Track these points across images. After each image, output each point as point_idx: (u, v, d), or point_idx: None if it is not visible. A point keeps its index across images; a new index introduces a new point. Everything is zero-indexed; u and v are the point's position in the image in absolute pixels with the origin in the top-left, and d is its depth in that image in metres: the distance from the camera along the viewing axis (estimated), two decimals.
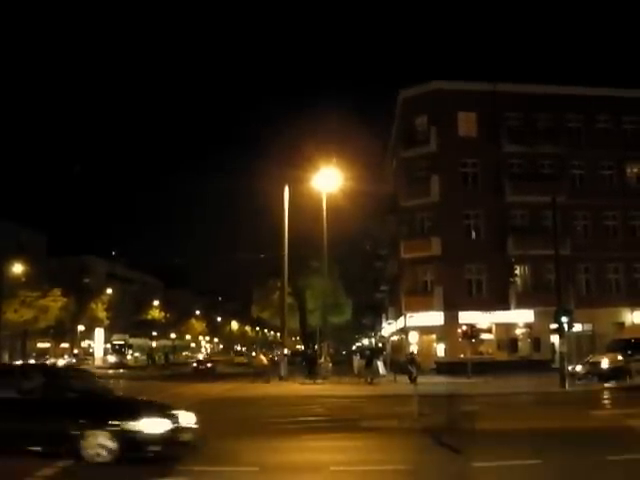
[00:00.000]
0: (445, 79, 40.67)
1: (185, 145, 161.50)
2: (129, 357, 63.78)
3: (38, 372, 11.16)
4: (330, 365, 35.88)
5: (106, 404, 10.21)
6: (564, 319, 25.81)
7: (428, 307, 38.69)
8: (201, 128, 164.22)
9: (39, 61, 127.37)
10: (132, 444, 9.01)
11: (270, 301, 54.40)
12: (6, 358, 59.87)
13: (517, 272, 35.88)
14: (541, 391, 23.95)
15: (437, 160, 39.84)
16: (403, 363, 33.86)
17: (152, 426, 9.18)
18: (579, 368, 27.89)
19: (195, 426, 10.15)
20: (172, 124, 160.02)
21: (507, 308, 38.29)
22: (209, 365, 53.48)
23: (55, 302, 58.32)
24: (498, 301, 38.03)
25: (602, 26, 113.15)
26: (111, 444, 8.93)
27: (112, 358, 62.74)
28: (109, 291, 77.76)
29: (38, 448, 9.17)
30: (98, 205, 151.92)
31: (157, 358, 73.34)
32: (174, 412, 9.93)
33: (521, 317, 38.66)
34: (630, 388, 24.00)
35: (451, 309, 37.76)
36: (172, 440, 9.32)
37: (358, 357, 39.85)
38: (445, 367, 35.95)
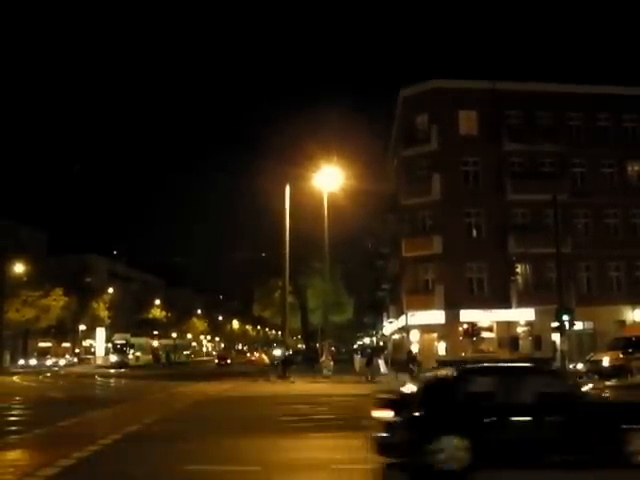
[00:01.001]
0: (445, 77, 40.72)
1: (186, 145, 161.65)
2: (130, 356, 63.72)
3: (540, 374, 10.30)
4: (332, 363, 35.93)
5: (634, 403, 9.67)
6: (565, 317, 25.86)
7: (429, 306, 38.70)
8: (202, 128, 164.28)
9: (39, 61, 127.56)
10: None
11: (271, 300, 54.53)
12: (7, 358, 59.89)
13: (518, 270, 35.92)
14: None
15: (438, 159, 39.85)
16: (404, 361, 33.92)
17: None
18: (580, 366, 27.89)
19: None
20: (173, 124, 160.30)
21: (508, 306, 38.29)
22: (228, 362, 65.59)
23: (56, 301, 58.33)
24: (499, 299, 38.03)
25: (602, 24, 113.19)
26: None
27: (113, 357, 62.64)
28: (110, 290, 77.81)
29: (567, 456, 8.67)
30: (99, 204, 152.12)
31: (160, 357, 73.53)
32: None
33: (522, 315, 38.63)
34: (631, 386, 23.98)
35: (452, 307, 37.76)
36: None
37: (359, 356, 39.92)
38: (446, 365, 35.95)
